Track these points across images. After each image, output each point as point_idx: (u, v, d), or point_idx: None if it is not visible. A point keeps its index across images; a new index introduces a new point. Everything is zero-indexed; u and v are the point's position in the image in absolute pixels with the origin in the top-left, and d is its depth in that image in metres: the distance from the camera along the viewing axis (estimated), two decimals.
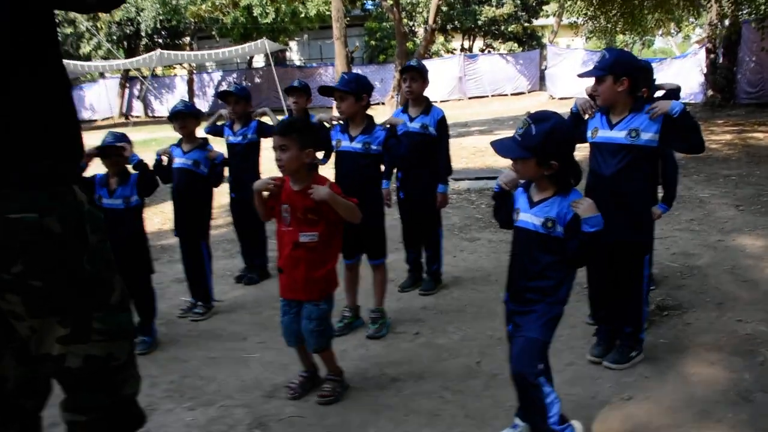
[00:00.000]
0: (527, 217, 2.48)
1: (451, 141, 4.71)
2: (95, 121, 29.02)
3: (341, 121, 3.89)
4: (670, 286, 4.36)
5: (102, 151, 3.73)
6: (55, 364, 1.72)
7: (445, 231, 6.02)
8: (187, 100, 4.80)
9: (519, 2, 27.93)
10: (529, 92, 26.55)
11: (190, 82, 28.90)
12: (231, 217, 5.38)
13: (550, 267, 2.44)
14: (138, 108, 29.38)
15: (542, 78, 26.16)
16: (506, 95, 26.33)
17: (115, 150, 3.74)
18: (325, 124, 4.03)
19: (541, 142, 2.34)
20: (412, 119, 4.38)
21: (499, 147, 2.46)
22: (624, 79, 3.08)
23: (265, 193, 3.06)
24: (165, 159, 4.32)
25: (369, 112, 3.99)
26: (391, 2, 13.45)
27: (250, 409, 3.10)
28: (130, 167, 3.89)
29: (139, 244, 3.93)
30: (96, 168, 3.81)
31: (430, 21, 13.72)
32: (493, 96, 26.32)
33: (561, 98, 20.90)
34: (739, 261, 4.79)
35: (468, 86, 26.61)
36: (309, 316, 3.07)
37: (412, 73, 4.33)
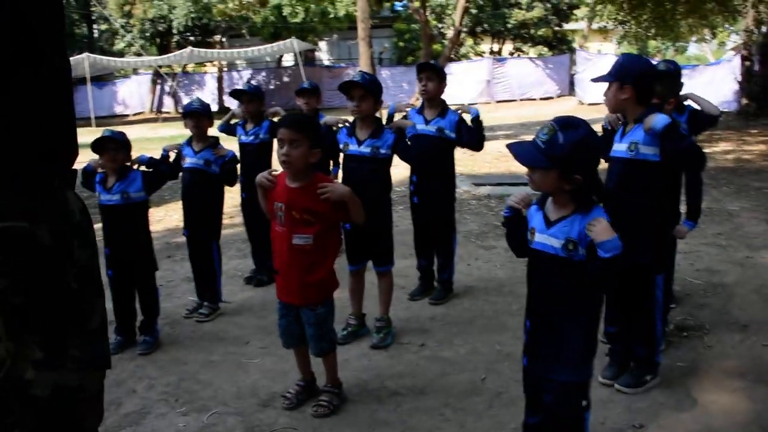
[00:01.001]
0: (544, 239, 2.22)
1: None
2: (127, 116, 29.41)
3: (347, 124, 3.78)
4: (692, 305, 4.15)
5: (98, 145, 3.68)
6: (21, 390, 1.59)
7: (462, 238, 5.88)
8: (201, 98, 4.69)
9: (549, 6, 27.56)
10: (558, 97, 26.23)
11: (219, 80, 29.11)
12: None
13: (575, 293, 2.19)
14: (169, 104, 29.66)
15: (572, 83, 25.80)
16: (535, 99, 26.03)
17: (112, 143, 3.67)
18: (333, 128, 3.91)
19: (569, 153, 2.08)
20: (427, 122, 4.25)
21: (518, 151, 2.18)
22: (627, 86, 2.91)
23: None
24: (172, 155, 4.25)
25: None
26: (418, 4, 13.30)
27: (243, 418, 3.01)
28: (136, 164, 3.85)
29: (140, 241, 3.86)
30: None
31: (457, 23, 13.56)
32: (521, 100, 26.05)
33: (590, 104, 20.54)
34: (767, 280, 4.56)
35: (496, 90, 26.36)
36: (308, 321, 2.96)
37: (428, 73, 4.19)
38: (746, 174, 8.67)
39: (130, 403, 3.19)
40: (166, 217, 7.66)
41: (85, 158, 3.78)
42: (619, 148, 3.03)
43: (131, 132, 3.89)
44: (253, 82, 29.49)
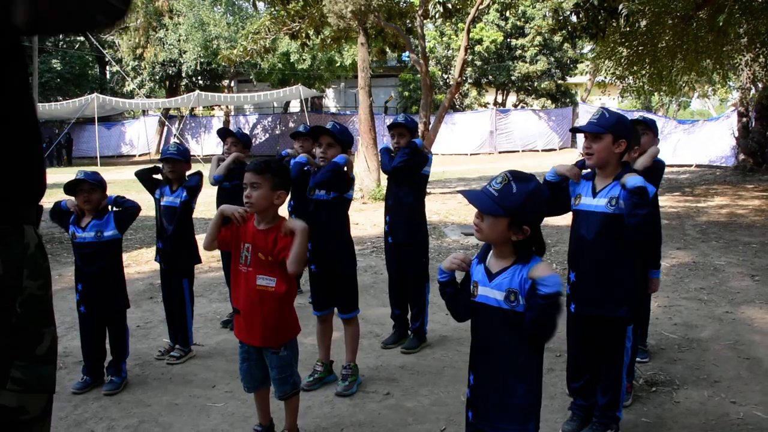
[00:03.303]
0: (487, 292, 2.22)
1: None
2: (133, 156, 29.82)
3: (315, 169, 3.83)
4: (665, 360, 4.11)
5: (71, 187, 3.74)
6: None
7: None
8: (179, 143, 4.78)
9: (553, 60, 28.05)
10: (560, 149, 26.49)
11: (226, 123, 29.55)
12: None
13: (518, 346, 2.18)
14: None
15: (574, 135, 26.05)
16: (537, 151, 26.28)
17: (86, 185, 3.73)
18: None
19: (521, 204, 2.12)
20: None
21: (473, 197, 2.19)
22: (623, 141, 2.94)
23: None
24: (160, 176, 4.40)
25: None
26: (419, 55, 13.59)
27: None
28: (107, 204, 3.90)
29: (111, 279, 3.88)
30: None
31: (456, 75, 13.80)
32: (523, 151, 26.31)
33: None
34: (744, 336, 4.52)
35: (499, 140, 26.67)
36: (271, 364, 2.97)
37: (399, 129, 4.30)
38: (737, 229, 8.66)
39: None
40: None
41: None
42: (597, 202, 3.01)
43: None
44: (259, 126, 30.02)
